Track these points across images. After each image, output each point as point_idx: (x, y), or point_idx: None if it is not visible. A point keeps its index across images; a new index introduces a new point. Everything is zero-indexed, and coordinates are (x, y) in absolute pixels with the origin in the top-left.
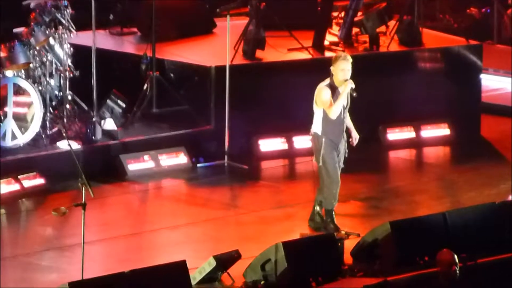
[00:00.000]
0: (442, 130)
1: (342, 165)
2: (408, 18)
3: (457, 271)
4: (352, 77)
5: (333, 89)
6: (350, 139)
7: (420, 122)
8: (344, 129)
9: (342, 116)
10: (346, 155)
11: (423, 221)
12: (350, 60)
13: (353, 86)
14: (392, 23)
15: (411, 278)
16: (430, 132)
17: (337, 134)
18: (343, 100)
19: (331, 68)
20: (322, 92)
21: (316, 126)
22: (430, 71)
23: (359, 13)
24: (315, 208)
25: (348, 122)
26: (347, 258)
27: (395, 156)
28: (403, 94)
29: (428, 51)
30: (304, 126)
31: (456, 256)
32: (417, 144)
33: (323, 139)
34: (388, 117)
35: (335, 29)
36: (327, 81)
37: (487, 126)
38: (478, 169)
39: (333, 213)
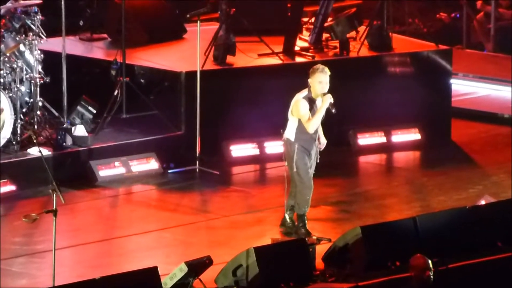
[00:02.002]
0: (413, 135)
1: (313, 171)
2: (378, 23)
3: (431, 276)
4: None
5: (311, 101)
6: (318, 144)
7: (390, 127)
8: (317, 137)
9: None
10: (318, 161)
11: (393, 226)
12: (328, 73)
13: (332, 101)
14: (362, 28)
15: (382, 283)
16: (401, 136)
17: (310, 141)
18: (321, 114)
19: (309, 80)
20: (300, 105)
21: (290, 133)
22: (400, 76)
23: (329, 19)
24: (286, 213)
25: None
26: (319, 263)
27: (365, 161)
28: (373, 99)
29: (398, 55)
30: (275, 132)
31: (429, 261)
32: (387, 148)
33: (296, 146)
34: (359, 122)
35: (306, 34)
36: (305, 92)
37: (458, 130)
38: (448, 173)
39: (305, 218)
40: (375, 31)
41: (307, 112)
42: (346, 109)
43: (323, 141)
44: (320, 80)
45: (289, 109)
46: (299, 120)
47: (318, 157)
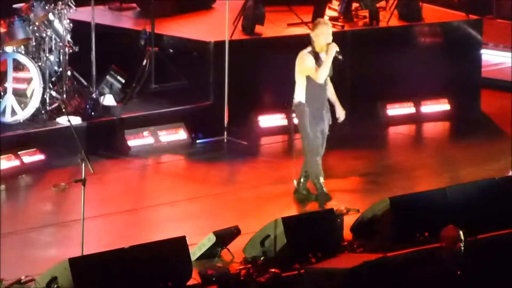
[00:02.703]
0: (442, 106)
1: (327, 132)
2: None
3: (462, 248)
4: (352, 52)
5: (316, 55)
6: (337, 116)
7: (420, 98)
8: (327, 96)
9: (324, 82)
10: (330, 122)
11: (422, 197)
12: (330, 24)
13: (338, 49)
14: None
15: (410, 254)
16: (430, 107)
17: (321, 100)
18: (329, 63)
19: (311, 34)
20: (305, 59)
21: (300, 95)
22: (430, 46)
23: None
24: (301, 180)
25: (332, 95)
26: (347, 234)
27: (394, 132)
28: (403, 70)
29: (428, 26)
30: None
31: (461, 232)
32: (417, 119)
33: (308, 109)
34: (388, 93)
35: (335, 4)
36: (308, 48)
37: (487, 101)
38: (478, 144)
39: (322, 183)
40: (405, 1)
41: (314, 64)
42: (375, 80)
43: (340, 111)
44: (323, 32)
45: (295, 69)
46: (307, 78)
47: (330, 119)
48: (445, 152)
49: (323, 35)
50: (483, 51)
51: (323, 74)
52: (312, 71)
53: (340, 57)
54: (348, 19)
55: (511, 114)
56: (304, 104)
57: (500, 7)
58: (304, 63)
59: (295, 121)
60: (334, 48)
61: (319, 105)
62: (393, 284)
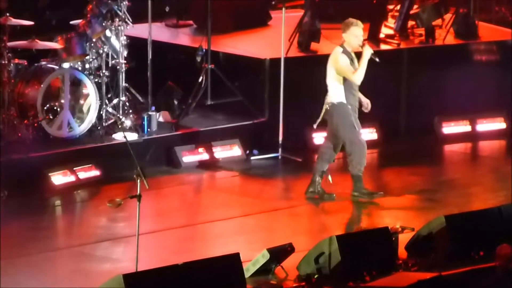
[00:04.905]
0: (498, 124)
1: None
2: (464, 11)
3: None
4: (408, 70)
5: (349, 55)
6: (364, 105)
7: (476, 116)
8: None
9: None
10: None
11: (478, 215)
12: (362, 26)
13: (372, 51)
14: (448, 16)
15: (466, 273)
16: (486, 125)
17: (357, 96)
18: (365, 65)
19: (344, 35)
20: (341, 60)
21: (339, 96)
22: (486, 64)
23: (415, 6)
24: (315, 177)
25: None
26: (402, 252)
27: (450, 149)
28: (459, 87)
29: (484, 44)
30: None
31: None
32: (472, 137)
33: (349, 107)
34: (444, 110)
35: (391, 21)
36: (340, 48)
37: None
38: None
39: (361, 178)
40: (461, 19)
41: (349, 65)
42: (432, 97)
43: (366, 100)
44: (357, 34)
45: (328, 71)
46: (343, 79)
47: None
48: (500, 170)
49: (355, 36)
50: None
51: (360, 77)
52: (349, 73)
53: (376, 59)
54: (404, 37)
55: None
56: (345, 104)
57: None
58: (340, 64)
59: (334, 121)
60: (369, 50)
61: (355, 103)
62: None
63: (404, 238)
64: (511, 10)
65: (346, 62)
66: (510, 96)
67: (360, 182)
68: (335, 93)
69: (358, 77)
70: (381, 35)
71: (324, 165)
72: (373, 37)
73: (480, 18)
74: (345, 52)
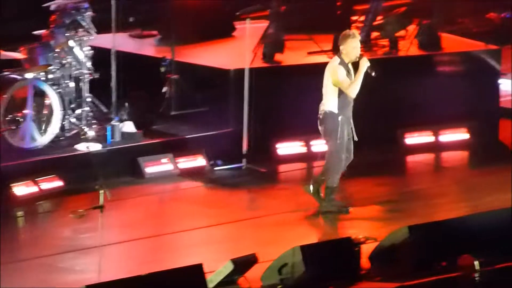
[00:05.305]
0: (461, 135)
1: (356, 138)
2: (428, 22)
3: (478, 277)
4: (371, 81)
5: (346, 66)
6: None
7: (439, 126)
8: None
9: None
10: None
11: (441, 226)
12: (358, 36)
13: (369, 64)
14: (412, 27)
15: (428, 283)
16: (449, 136)
17: (350, 107)
18: (361, 78)
19: (341, 47)
20: (338, 72)
21: (332, 105)
22: (449, 75)
23: (379, 17)
24: (312, 185)
25: None
26: (365, 263)
27: (414, 160)
28: (422, 98)
29: (447, 55)
30: None
31: (476, 262)
32: (436, 148)
33: (340, 117)
34: (407, 121)
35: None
36: (337, 59)
37: (506, 130)
38: (496, 173)
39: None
40: (424, 30)
41: (346, 78)
42: (395, 108)
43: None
44: (354, 46)
45: (325, 80)
46: (339, 89)
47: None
48: (464, 181)
49: (354, 48)
50: (501, 80)
51: (355, 90)
52: (345, 85)
53: (373, 73)
54: (368, 48)
55: None
56: (336, 114)
57: None
58: (336, 76)
59: (323, 129)
60: (366, 63)
61: (349, 113)
62: None
63: (367, 248)
64: (474, 21)
65: (343, 75)
66: (473, 106)
67: (333, 194)
68: (328, 103)
69: (353, 90)
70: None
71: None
72: (336, 48)
73: (444, 29)
74: (342, 63)
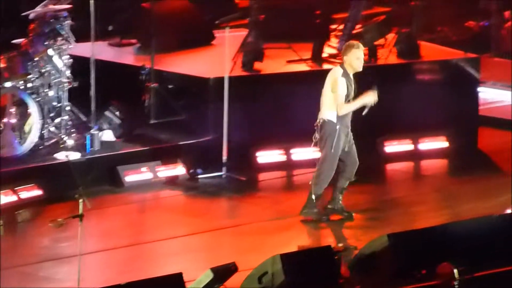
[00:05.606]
0: (440, 143)
1: (353, 143)
2: (407, 30)
3: (457, 286)
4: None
5: (347, 78)
6: None
7: (418, 135)
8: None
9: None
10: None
11: (421, 234)
12: (363, 48)
13: (374, 101)
14: (391, 36)
15: None
16: (428, 144)
17: (349, 117)
18: (358, 106)
19: (344, 58)
20: (339, 83)
21: (330, 113)
22: (428, 84)
23: (358, 26)
24: (335, 194)
25: None
26: (345, 271)
27: (393, 168)
28: (401, 106)
29: (426, 63)
30: (302, 138)
31: (456, 270)
32: (415, 156)
33: (338, 126)
34: (387, 129)
35: (334, 41)
36: (340, 69)
37: (485, 138)
38: (476, 181)
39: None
40: (403, 38)
41: (343, 93)
42: (374, 116)
43: (371, 99)
44: (358, 56)
45: (326, 88)
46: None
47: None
48: (443, 189)
49: (356, 58)
50: (480, 89)
51: (345, 111)
52: (341, 100)
53: (365, 111)
54: None
55: (509, 152)
56: (334, 123)
57: (499, 46)
58: (336, 88)
59: (319, 136)
60: (371, 98)
61: (347, 121)
62: None
63: (347, 257)
64: (453, 30)
65: (343, 89)
66: (452, 115)
67: (316, 202)
68: (326, 111)
69: (343, 111)
70: (325, 55)
71: (344, 182)
72: (316, 57)
73: (423, 37)
74: (344, 74)
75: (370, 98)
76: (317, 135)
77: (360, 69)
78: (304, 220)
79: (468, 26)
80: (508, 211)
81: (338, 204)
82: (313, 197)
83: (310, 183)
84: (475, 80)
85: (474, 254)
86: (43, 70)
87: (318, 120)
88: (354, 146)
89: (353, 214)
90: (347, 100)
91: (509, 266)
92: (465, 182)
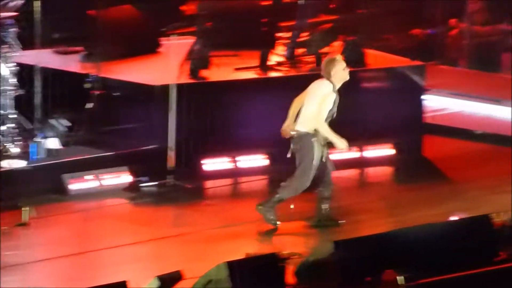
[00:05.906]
0: (386, 150)
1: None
2: (353, 38)
3: None
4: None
5: (336, 94)
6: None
7: (364, 142)
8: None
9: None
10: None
11: (366, 241)
12: (341, 57)
13: (345, 147)
14: (337, 44)
15: None
16: (374, 152)
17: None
18: (330, 138)
19: (332, 72)
20: (328, 100)
21: (308, 125)
22: (374, 91)
23: (304, 34)
24: (319, 205)
25: None
26: (290, 278)
27: (339, 176)
28: (346, 114)
29: (372, 71)
30: (249, 146)
31: (400, 278)
32: (360, 164)
33: (314, 139)
34: None
35: (282, 49)
36: (330, 85)
37: (430, 146)
38: (421, 189)
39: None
40: (350, 46)
41: (326, 111)
42: None
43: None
44: (343, 67)
45: (311, 100)
46: (320, 109)
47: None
48: (388, 197)
49: (342, 70)
50: (426, 96)
51: (321, 130)
52: (321, 116)
53: (323, 158)
54: (293, 64)
55: (453, 160)
56: (311, 135)
57: (444, 54)
58: (325, 102)
59: (298, 148)
60: (343, 146)
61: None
62: None
63: (293, 264)
64: (399, 38)
65: (330, 106)
66: (398, 122)
67: (275, 204)
68: (306, 122)
69: (321, 128)
70: (272, 62)
71: (327, 191)
72: (262, 65)
73: (369, 45)
74: (334, 89)
75: (341, 145)
76: (294, 146)
77: (348, 78)
78: (249, 227)
79: (413, 34)
80: (453, 218)
81: (323, 212)
82: (276, 198)
83: (280, 184)
84: (420, 88)
85: (419, 261)
86: None
87: (294, 131)
88: (329, 158)
89: (298, 222)
90: (331, 115)
91: (454, 273)
92: (410, 190)
